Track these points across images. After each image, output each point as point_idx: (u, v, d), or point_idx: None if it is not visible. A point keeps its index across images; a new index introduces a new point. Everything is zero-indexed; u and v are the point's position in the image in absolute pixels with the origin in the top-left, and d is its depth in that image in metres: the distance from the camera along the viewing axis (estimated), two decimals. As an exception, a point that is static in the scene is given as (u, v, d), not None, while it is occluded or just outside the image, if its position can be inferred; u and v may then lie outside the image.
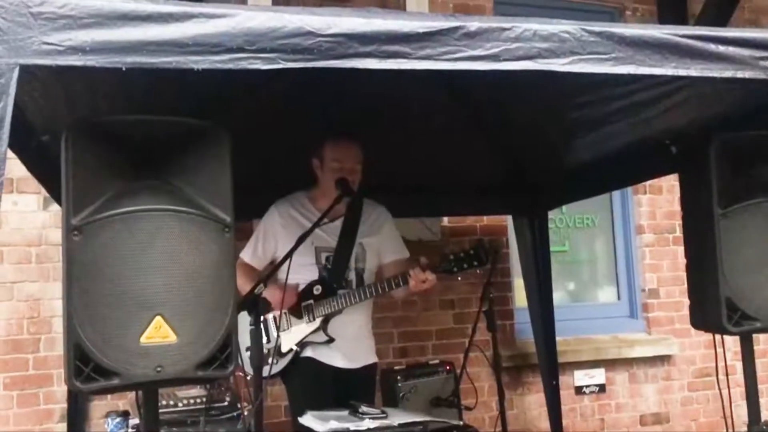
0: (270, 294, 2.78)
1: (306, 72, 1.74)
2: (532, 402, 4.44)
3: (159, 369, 1.74)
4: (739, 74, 1.99)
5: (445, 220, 4.38)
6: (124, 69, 1.59)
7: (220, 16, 1.66)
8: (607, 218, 4.97)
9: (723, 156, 2.36)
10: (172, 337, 1.75)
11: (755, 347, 4.53)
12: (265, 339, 3.04)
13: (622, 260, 4.89)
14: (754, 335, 2.54)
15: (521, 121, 3.36)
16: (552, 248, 4.31)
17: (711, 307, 2.38)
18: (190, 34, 1.62)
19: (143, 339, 1.72)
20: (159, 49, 1.60)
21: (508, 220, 4.43)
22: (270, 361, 3.04)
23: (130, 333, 1.72)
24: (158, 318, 1.73)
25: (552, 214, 4.40)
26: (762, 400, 4.55)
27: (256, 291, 2.53)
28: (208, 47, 1.64)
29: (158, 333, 1.73)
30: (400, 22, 1.80)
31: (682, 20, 4.42)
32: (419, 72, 1.81)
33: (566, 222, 4.90)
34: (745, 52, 2.00)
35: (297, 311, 3.09)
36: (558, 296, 4.61)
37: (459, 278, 3.15)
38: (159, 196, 1.81)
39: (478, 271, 3.09)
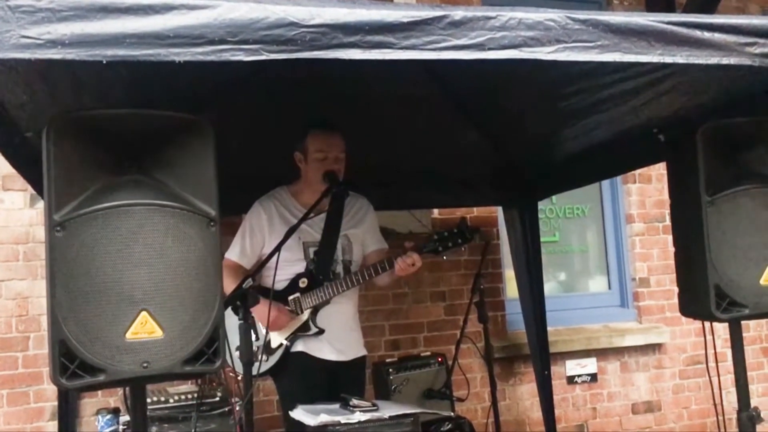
0: (258, 312, 2.76)
1: (292, 65, 1.72)
2: (524, 392, 4.44)
3: (145, 365, 1.72)
4: (725, 61, 1.98)
5: (436, 212, 4.37)
6: (104, 62, 1.57)
7: (201, 8, 1.63)
8: (597, 208, 4.97)
9: (710, 143, 2.35)
10: (158, 333, 1.73)
11: (745, 334, 4.55)
12: (253, 337, 3.03)
13: (613, 250, 4.90)
14: (744, 322, 2.54)
15: (510, 112, 3.35)
16: (542, 239, 4.31)
17: (700, 295, 2.38)
18: (170, 26, 1.60)
19: (129, 335, 1.71)
20: (139, 41, 1.58)
21: (499, 211, 4.43)
22: (260, 358, 3.04)
23: (115, 329, 1.70)
24: (144, 313, 1.72)
25: (542, 205, 4.40)
26: (752, 387, 4.60)
27: (244, 285, 2.52)
28: (190, 39, 1.61)
29: (144, 328, 1.72)
30: (384, 11, 1.79)
31: (669, 8, 4.41)
32: (405, 62, 1.80)
33: (556, 212, 4.90)
34: (731, 39, 1.99)
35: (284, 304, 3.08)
36: (549, 286, 4.62)
37: (444, 258, 3.12)
38: (143, 190, 1.80)
39: (462, 249, 3.06)
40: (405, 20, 1.78)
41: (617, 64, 1.99)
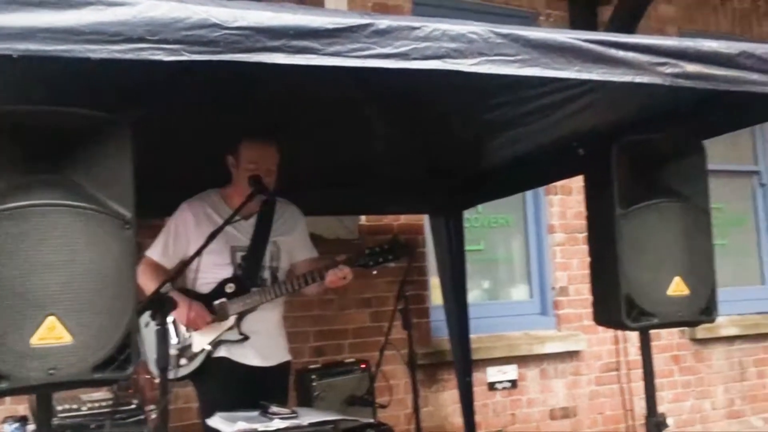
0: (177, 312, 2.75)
1: (220, 66, 1.70)
2: (447, 399, 4.49)
3: (52, 371, 1.66)
4: (638, 79, 2.07)
5: (363, 219, 4.38)
6: (15, 56, 1.52)
7: (119, 4, 1.60)
8: (521, 218, 5.08)
9: (624, 158, 2.45)
10: (67, 338, 1.67)
11: (657, 342, 4.75)
12: (175, 339, 2.98)
13: (535, 259, 5.01)
14: (658, 330, 2.64)
15: (437, 121, 3.38)
16: (468, 247, 4.37)
17: (612, 304, 2.47)
18: (86, 22, 1.56)
19: (35, 340, 1.64)
20: (53, 36, 1.54)
21: (425, 219, 4.47)
22: (181, 362, 2.98)
23: (20, 334, 1.63)
24: (51, 318, 1.66)
25: (468, 214, 4.47)
26: (663, 393, 4.79)
27: (162, 290, 2.46)
28: (107, 36, 1.58)
29: (51, 334, 1.65)
30: (309, 17, 1.79)
31: (592, 27, 4.57)
32: (333, 68, 1.80)
33: (482, 221, 4.98)
34: (644, 58, 2.08)
35: (209, 310, 3.03)
36: (473, 294, 4.69)
37: (374, 272, 3.17)
38: (54, 190, 1.74)
39: (392, 265, 3.12)
40: (330, 27, 1.78)
41: (538, 78, 2.05)
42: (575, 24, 4.68)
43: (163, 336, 2.42)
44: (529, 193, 4.93)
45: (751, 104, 2.47)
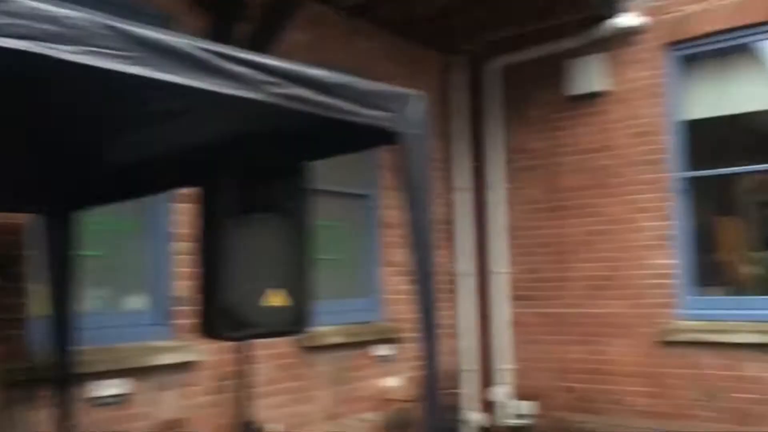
0: None
1: None
2: (46, 417, 4.08)
3: None
4: (244, 94, 2.12)
5: (-53, 213, 3.78)
6: None
7: None
8: (144, 224, 4.89)
9: (232, 172, 2.50)
10: None
11: (273, 351, 4.95)
12: None
13: (155, 267, 4.85)
14: (271, 339, 2.73)
15: (46, 115, 3.08)
16: (84, 252, 4.05)
17: (213, 316, 2.49)
18: None
19: None
20: None
21: (26, 219, 4.02)
22: None
23: None
24: None
25: (88, 217, 4.15)
26: (276, 399, 4.99)
27: None
28: None
29: None
30: None
31: (225, 41, 4.60)
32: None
33: (102, 225, 4.66)
34: (254, 75, 2.14)
35: None
36: (87, 304, 4.34)
37: None
38: None
39: None
40: None
41: (155, 82, 1.96)
42: (210, 35, 4.67)
43: None
44: (153, 199, 4.76)
45: (353, 133, 2.70)
